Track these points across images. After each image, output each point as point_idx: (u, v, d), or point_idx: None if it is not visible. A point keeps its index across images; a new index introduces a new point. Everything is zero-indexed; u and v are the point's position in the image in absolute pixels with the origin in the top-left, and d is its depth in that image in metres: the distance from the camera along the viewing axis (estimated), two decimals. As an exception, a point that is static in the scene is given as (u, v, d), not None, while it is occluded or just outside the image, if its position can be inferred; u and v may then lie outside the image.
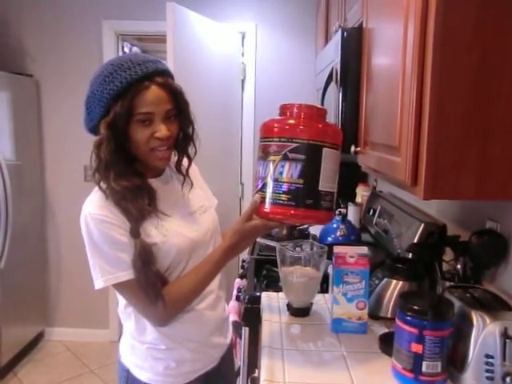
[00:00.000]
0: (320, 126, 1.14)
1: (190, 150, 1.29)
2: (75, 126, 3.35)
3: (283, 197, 1.09)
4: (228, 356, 1.43)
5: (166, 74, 1.16)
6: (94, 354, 3.32)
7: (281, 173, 1.09)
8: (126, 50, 3.89)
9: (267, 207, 1.12)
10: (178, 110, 1.18)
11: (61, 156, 3.36)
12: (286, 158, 1.09)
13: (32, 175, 3.28)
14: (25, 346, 3.24)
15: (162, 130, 1.13)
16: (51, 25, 3.22)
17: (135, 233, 1.13)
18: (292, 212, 1.10)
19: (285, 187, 1.09)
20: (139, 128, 1.12)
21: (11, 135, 2.99)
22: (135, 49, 4.09)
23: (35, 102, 3.27)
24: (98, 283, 1.16)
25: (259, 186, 1.14)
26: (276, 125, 1.13)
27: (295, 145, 1.08)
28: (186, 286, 1.21)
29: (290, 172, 1.09)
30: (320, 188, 1.10)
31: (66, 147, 3.34)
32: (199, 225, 1.29)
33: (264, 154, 1.13)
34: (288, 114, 1.15)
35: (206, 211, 1.35)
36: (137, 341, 1.26)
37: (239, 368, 1.72)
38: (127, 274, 1.14)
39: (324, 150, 1.10)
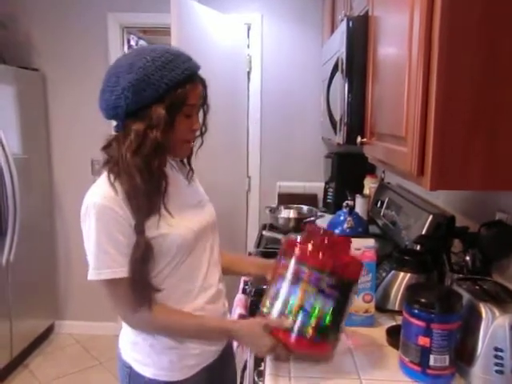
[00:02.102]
0: (356, 262, 1.15)
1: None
2: (82, 119, 3.38)
3: (310, 330, 1.08)
4: (228, 348, 1.42)
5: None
6: (103, 347, 3.33)
7: (313, 306, 1.08)
8: (133, 42, 3.88)
9: (292, 338, 1.09)
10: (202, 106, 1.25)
11: (68, 150, 3.36)
12: (321, 291, 1.08)
13: (39, 169, 3.29)
14: (35, 339, 3.26)
15: (198, 123, 1.21)
16: (57, 18, 3.21)
17: (140, 230, 1.12)
18: (315, 347, 1.11)
19: (314, 322, 1.08)
20: (184, 119, 1.16)
21: (18, 129, 3.00)
22: (142, 42, 4.07)
23: (41, 96, 3.27)
24: (97, 274, 1.17)
25: (283, 311, 1.11)
26: (313, 253, 1.11)
27: (333, 280, 1.08)
28: (175, 320, 1.21)
29: (323, 307, 1.08)
30: (341, 324, 1.14)
31: (73, 141, 3.34)
32: (201, 217, 1.28)
33: (294, 277, 1.11)
34: (320, 241, 1.14)
35: (206, 205, 1.35)
36: (139, 338, 1.25)
37: (246, 361, 1.72)
38: (121, 272, 1.13)
39: (354, 286, 1.14)
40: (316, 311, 1.08)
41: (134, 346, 1.28)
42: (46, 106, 3.30)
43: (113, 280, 1.13)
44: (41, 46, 3.24)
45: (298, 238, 1.19)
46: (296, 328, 1.09)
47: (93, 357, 3.23)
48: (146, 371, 1.25)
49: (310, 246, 1.12)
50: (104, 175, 1.16)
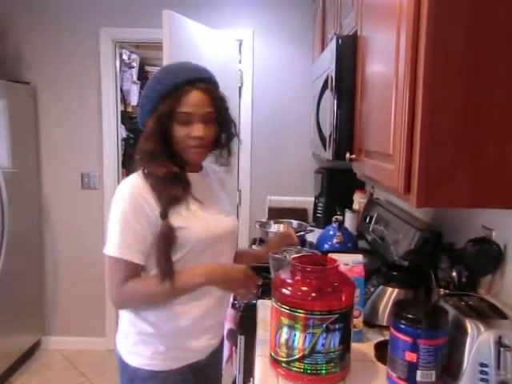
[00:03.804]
0: (349, 284, 1.18)
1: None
2: (72, 133, 3.38)
3: (325, 366, 1.12)
4: (217, 354, 1.49)
5: (209, 81, 1.31)
6: (91, 363, 3.29)
7: (323, 344, 1.11)
8: (125, 56, 3.90)
9: (306, 379, 1.13)
10: (219, 114, 1.31)
11: (58, 164, 3.35)
12: (327, 329, 1.10)
13: (29, 183, 3.27)
14: (21, 356, 3.21)
15: (196, 130, 1.27)
16: (48, 32, 3.22)
17: (164, 215, 1.24)
18: (334, 378, 1.15)
19: (327, 357, 1.12)
20: (179, 126, 1.27)
21: (8, 143, 2.98)
22: (134, 56, 4.10)
23: (32, 110, 3.27)
24: (109, 250, 1.26)
25: (292, 354, 1.13)
26: (305, 296, 1.12)
27: (335, 316, 1.10)
28: (151, 286, 1.28)
29: (332, 342, 1.11)
30: (350, 343, 1.17)
31: (63, 155, 3.33)
32: (222, 224, 1.38)
33: (295, 323, 1.12)
34: (308, 274, 1.15)
35: (230, 215, 1.45)
36: (129, 326, 1.34)
37: (235, 377, 1.71)
38: (128, 254, 1.24)
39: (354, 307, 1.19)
40: (325, 348, 1.11)
41: (124, 337, 1.36)
42: (36, 119, 3.30)
43: (118, 259, 1.24)
44: (32, 59, 3.24)
45: (285, 275, 1.20)
46: (309, 369, 1.12)
47: (81, 373, 3.18)
48: (133, 361, 1.33)
49: (300, 289, 1.13)
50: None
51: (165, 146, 1.28)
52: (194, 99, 1.26)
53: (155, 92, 1.27)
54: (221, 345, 1.53)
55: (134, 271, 1.26)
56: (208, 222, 1.33)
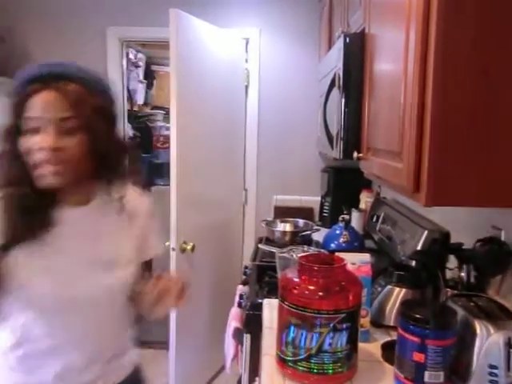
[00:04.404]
0: (356, 283, 1.17)
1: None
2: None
3: (332, 366, 1.11)
4: None
5: (72, 79, 0.97)
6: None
7: (330, 344, 1.10)
8: (131, 56, 3.90)
9: (313, 378, 1.12)
10: (88, 123, 0.97)
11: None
12: (334, 329, 1.09)
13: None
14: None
15: (42, 140, 0.93)
16: (56, 31, 3.23)
17: (2, 249, 0.96)
18: (341, 378, 1.14)
19: (334, 357, 1.11)
20: (29, 137, 0.95)
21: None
22: (140, 55, 4.10)
23: (40, 108, 3.28)
24: None
25: (299, 354, 1.12)
26: (313, 295, 1.11)
27: (343, 315, 1.09)
28: None
29: (339, 341, 1.10)
30: (357, 344, 1.16)
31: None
32: (88, 280, 1.05)
33: (300, 322, 1.11)
34: (315, 273, 1.14)
35: (115, 268, 1.09)
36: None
37: (241, 376, 1.71)
38: None
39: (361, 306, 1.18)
40: (333, 347, 1.10)
41: None
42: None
43: None
44: (39, 59, 3.20)
45: (292, 274, 1.18)
46: (316, 368, 1.11)
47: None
48: None
49: (307, 288, 1.12)
50: None
51: (23, 168, 0.97)
52: (42, 100, 0.94)
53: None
54: None
55: None
56: (60, 282, 1.01)
